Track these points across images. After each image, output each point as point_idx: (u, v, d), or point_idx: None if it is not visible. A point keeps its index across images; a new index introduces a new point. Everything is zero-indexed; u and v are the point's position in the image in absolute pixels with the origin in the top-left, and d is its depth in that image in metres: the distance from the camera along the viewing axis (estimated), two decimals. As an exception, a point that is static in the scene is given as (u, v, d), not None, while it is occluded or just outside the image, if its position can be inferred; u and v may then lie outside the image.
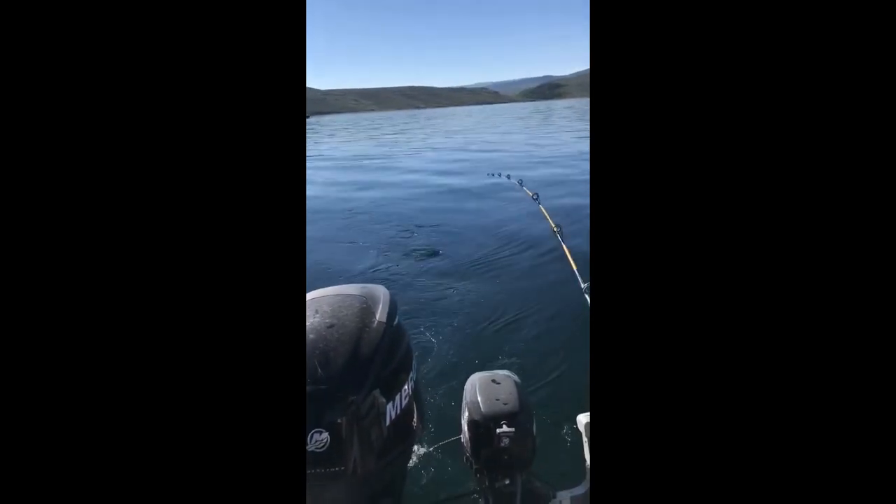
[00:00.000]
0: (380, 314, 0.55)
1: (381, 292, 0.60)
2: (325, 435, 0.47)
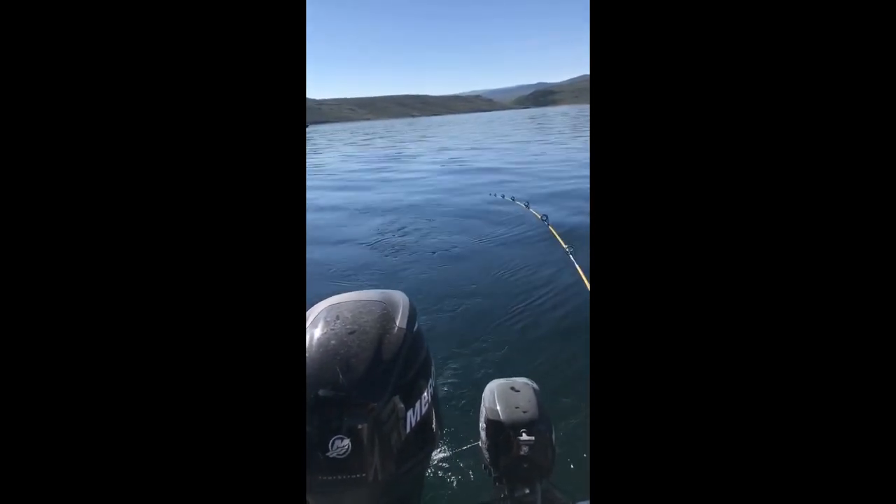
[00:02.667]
0: (400, 320, 0.55)
1: (400, 298, 0.59)
2: (347, 441, 0.47)
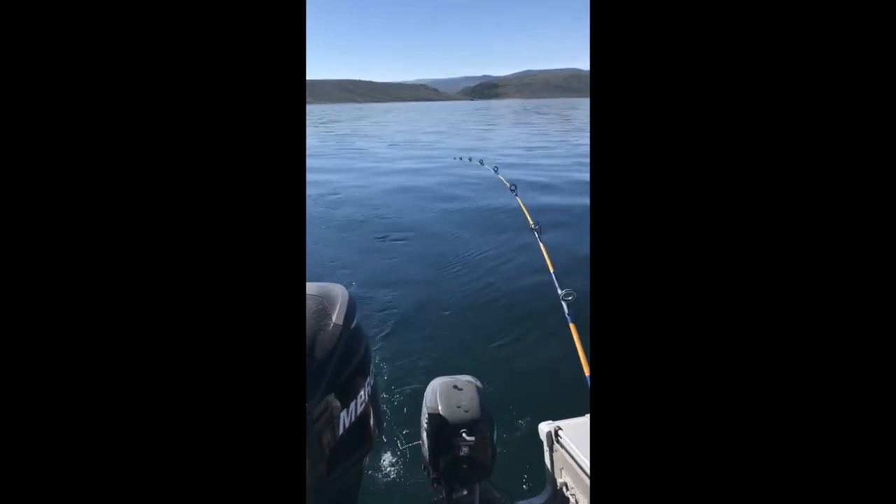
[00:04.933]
0: (336, 316, 0.52)
1: (339, 292, 0.56)
2: None
